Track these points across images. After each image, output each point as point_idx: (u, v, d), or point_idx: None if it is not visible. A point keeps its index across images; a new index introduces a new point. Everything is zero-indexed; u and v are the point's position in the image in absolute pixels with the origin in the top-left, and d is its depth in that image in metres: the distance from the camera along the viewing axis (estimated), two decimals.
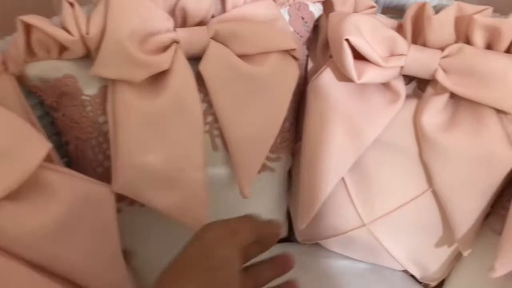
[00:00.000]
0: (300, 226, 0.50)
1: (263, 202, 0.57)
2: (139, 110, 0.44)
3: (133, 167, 0.45)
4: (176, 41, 0.45)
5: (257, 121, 0.48)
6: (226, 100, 0.47)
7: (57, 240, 0.42)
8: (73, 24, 0.42)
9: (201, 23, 0.48)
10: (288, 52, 0.49)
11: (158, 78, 0.45)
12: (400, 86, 0.48)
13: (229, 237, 0.34)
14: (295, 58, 0.50)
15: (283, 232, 0.41)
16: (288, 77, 0.49)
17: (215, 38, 0.46)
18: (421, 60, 0.47)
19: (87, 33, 0.42)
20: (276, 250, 0.63)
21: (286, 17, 0.52)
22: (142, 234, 0.53)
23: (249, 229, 0.36)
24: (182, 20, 0.47)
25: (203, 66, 0.46)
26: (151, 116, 0.44)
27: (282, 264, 0.42)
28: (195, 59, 0.47)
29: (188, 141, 0.46)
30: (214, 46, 0.46)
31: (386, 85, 0.49)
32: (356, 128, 0.48)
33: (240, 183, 0.49)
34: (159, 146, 0.45)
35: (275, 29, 0.48)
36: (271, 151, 0.53)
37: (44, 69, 0.44)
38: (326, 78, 0.49)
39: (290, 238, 0.65)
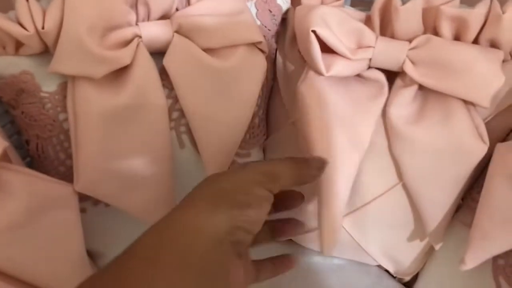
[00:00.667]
0: (327, 253, 0.48)
1: None
2: (100, 107, 0.42)
3: (95, 166, 0.44)
4: (138, 36, 0.44)
5: (226, 116, 0.47)
6: (192, 95, 0.46)
7: (16, 242, 0.41)
8: (27, 18, 0.40)
9: (164, 17, 0.46)
10: (255, 45, 0.48)
11: (120, 73, 0.43)
12: (380, 75, 0.47)
13: (266, 180, 0.33)
14: (262, 51, 0.48)
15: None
16: (255, 70, 0.48)
17: (179, 32, 0.45)
18: (388, 52, 0.46)
19: (43, 28, 0.40)
20: None
21: (253, 10, 0.50)
22: (109, 234, 0.51)
23: (287, 176, 0.35)
24: (145, 14, 0.46)
25: (167, 61, 0.45)
26: (113, 113, 0.43)
27: (284, 264, 0.45)
28: (159, 54, 0.46)
29: (153, 138, 0.45)
30: (178, 40, 0.45)
31: (365, 78, 0.48)
32: (354, 131, 0.46)
33: None
34: (122, 144, 0.44)
35: (240, 22, 0.46)
36: (241, 147, 0.52)
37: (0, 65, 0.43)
38: (314, 76, 0.47)
39: None
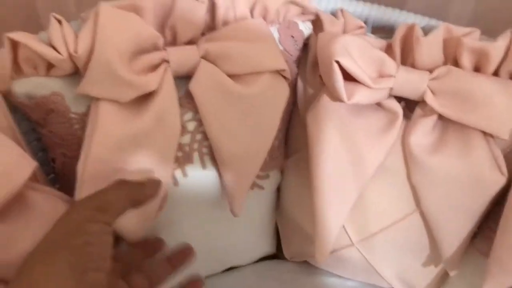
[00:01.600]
0: (320, 260, 0.50)
1: (251, 219, 0.57)
2: (120, 129, 0.43)
3: (99, 183, 0.44)
4: (165, 61, 0.45)
5: (248, 140, 0.48)
6: (216, 119, 0.47)
7: None
8: (61, 42, 0.41)
9: (190, 41, 0.47)
10: (279, 72, 0.49)
11: (143, 98, 0.44)
12: (396, 106, 0.48)
13: (98, 214, 0.34)
14: (285, 77, 0.49)
15: (162, 191, 0.42)
16: (278, 97, 0.49)
17: (205, 57, 0.46)
18: (409, 82, 0.47)
19: (76, 52, 0.41)
20: (263, 267, 0.63)
21: (276, 35, 0.51)
22: None
23: (120, 202, 0.36)
24: (172, 38, 0.47)
25: (193, 86, 0.46)
26: (131, 136, 0.43)
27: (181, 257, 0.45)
28: (183, 77, 0.47)
29: (159, 161, 0.46)
30: (204, 66, 0.46)
31: (382, 106, 0.49)
32: (360, 157, 0.48)
33: (231, 201, 0.49)
34: (129, 164, 0.44)
35: (266, 49, 0.47)
36: (261, 169, 0.53)
37: (31, 86, 0.44)
38: (324, 104, 0.48)
39: (278, 255, 0.64)
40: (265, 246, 0.62)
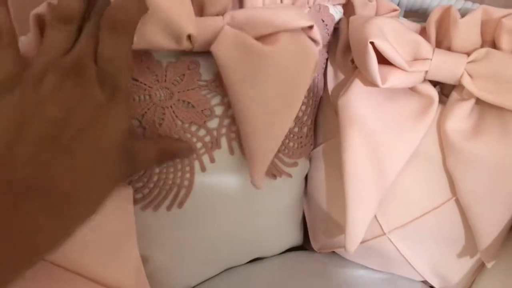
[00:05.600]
0: (350, 249, 0.48)
1: (279, 207, 0.56)
2: None
3: None
4: None
5: (272, 104, 0.45)
6: (238, 79, 0.44)
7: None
8: None
9: None
10: (305, 33, 0.46)
11: None
12: (431, 90, 0.47)
13: None
14: (314, 41, 0.47)
15: None
16: (305, 58, 0.46)
17: (230, 24, 0.44)
18: (446, 65, 0.45)
19: None
20: (289, 258, 0.62)
21: None
22: (155, 238, 0.51)
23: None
24: (199, 13, 0.45)
25: (215, 47, 0.43)
26: None
27: None
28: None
29: None
30: (227, 29, 0.43)
31: (416, 91, 0.47)
32: (393, 143, 0.47)
33: (252, 171, 0.46)
34: None
35: (290, 10, 0.45)
36: (288, 156, 0.52)
37: None
38: (356, 89, 0.47)
39: (305, 246, 0.63)
40: (293, 237, 0.61)
